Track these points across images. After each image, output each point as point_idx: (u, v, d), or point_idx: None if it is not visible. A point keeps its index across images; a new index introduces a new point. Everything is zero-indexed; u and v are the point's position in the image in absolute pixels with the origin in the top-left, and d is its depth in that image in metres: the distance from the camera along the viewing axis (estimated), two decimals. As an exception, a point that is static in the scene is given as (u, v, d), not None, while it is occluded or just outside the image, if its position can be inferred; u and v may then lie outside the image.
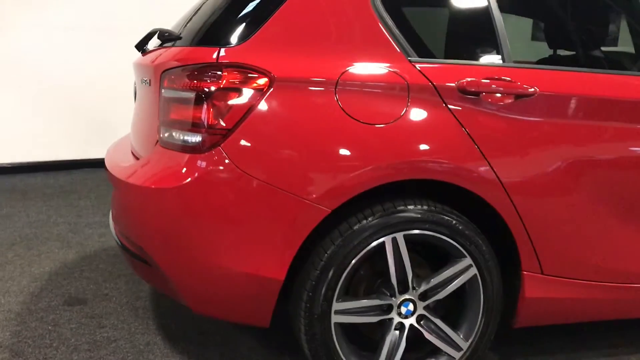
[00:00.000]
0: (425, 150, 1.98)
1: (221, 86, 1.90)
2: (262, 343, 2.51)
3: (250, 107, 1.90)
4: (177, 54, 2.07)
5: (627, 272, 2.25)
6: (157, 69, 2.13)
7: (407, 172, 1.96)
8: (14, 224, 4.17)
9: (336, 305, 1.99)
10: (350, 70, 1.97)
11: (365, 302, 2.06)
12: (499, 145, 2.05)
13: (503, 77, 2.07)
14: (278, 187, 1.90)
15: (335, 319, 2.00)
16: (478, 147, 2.01)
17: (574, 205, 2.15)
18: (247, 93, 1.91)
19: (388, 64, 1.99)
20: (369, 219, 1.98)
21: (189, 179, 1.90)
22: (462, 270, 2.09)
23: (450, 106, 2.02)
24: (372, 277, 2.16)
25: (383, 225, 1.98)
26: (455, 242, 2.05)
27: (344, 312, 2.02)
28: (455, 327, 2.18)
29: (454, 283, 2.10)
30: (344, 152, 1.92)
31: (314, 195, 1.90)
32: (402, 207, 2.01)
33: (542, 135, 2.09)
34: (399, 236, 2.00)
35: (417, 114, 2.00)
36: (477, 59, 2.17)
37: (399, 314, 2.07)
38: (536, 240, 2.13)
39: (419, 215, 2.01)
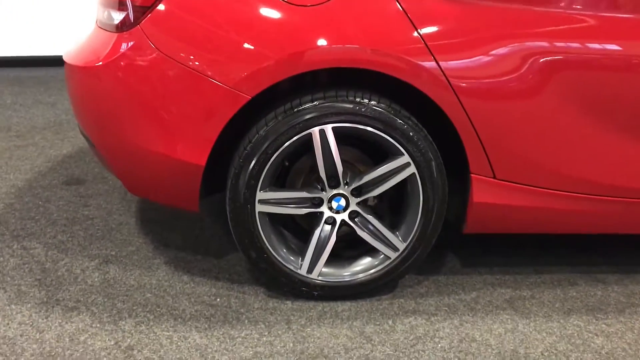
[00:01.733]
0: (357, 36, 1.84)
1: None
2: (227, 230, 2.55)
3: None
4: None
5: (591, 182, 2.03)
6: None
7: (336, 60, 1.84)
8: (55, 110, 4.40)
9: (260, 195, 1.96)
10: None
11: (290, 194, 2.02)
12: (444, 30, 1.87)
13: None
14: (196, 70, 1.85)
15: (259, 208, 1.98)
16: (419, 33, 1.84)
17: (536, 105, 1.93)
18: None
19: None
20: (295, 109, 1.89)
21: (111, 58, 1.90)
22: (399, 168, 1.97)
23: (392, -10, 1.84)
24: (309, 171, 2.10)
25: (310, 116, 1.89)
26: (391, 138, 1.93)
27: (268, 202, 1.99)
28: (394, 227, 2.10)
29: (389, 181, 1.99)
30: (265, 35, 1.83)
31: (233, 81, 1.84)
32: (331, 98, 1.90)
33: (499, 22, 1.88)
34: (327, 128, 1.91)
35: (352, -3, 1.84)
36: None
37: (330, 208, 2.02)
38: (487, 141, 1.96)
39: (350, 107, 1.89)
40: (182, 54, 1.85)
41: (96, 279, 2.20)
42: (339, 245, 2.12)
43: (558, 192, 2.04)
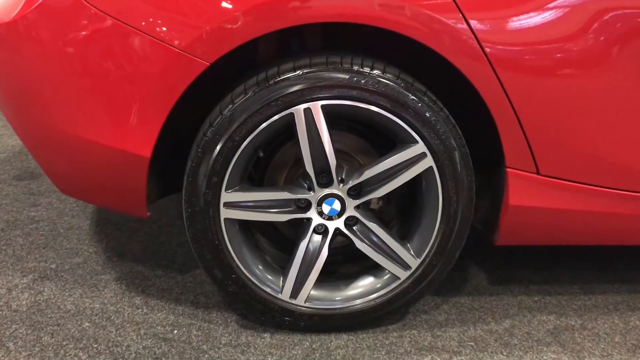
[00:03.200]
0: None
1: None
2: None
3: None
4: None
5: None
6: None
7: (324, 14, 1.34)
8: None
9: (226, 196, 1.47)
10: None
11: (267, 194, 1.53)
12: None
13: None
14: (135, 28, 1.36)
15: (225, 213, 1.49)
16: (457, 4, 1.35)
17: (602, 79, 1.43)
18: None
19: None
20: (272, 80, 1.40)
21: (23, 13, 1.40)
22: (411, 160, 1.48)
23: None
24: (294, 164, 1.62)
25: (292, 90, 1.39)
26: (401, 120, 1.44)
27: (237, 205, 1.49)
28: (404, 238, 1.61)
29: (399, 178, 1.50)
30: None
31: (184, 40, 1.35)
32: (320, 66, 1.41)
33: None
34: (315, 106, 1.41)
35: None
36: None
37: (320, 213, 1.52)
38: (529, 125, 1.46)
39: (345, 77, 1.40)
40: (116, 6, 1.36)
41: (24, 302, 1.72)
42: (334, 260, 1.64)
43: (626, 192, 1.54)
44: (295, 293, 1.56)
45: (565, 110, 1.45)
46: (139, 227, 2.15)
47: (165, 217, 2.21)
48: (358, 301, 1.58)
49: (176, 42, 1.35)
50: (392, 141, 1.53)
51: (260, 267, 1.58)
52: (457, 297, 1.79)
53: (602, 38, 1.39)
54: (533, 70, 1.41)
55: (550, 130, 1.47)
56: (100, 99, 1.42)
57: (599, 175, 1.52)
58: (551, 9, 1.38)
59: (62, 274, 1.87)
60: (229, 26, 1.33)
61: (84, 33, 1.39)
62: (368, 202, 1.55)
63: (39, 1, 1.39)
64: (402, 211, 1.69)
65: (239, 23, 1.33)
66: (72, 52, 1.41)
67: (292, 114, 1.42)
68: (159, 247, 2.04)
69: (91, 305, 1.71)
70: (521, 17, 1.38)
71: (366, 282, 1.61)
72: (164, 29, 1.35)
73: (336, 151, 1.50)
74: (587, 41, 1.39)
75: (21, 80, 1.49)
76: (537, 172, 1.52)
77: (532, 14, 1.38)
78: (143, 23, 1.35)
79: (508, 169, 1.51)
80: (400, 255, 1.56)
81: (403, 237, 1.61)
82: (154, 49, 1.36)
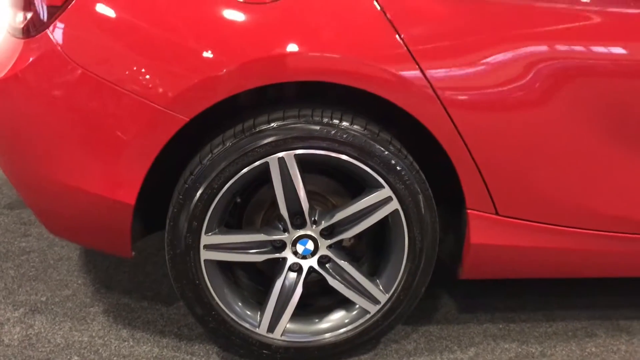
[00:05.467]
0: (319, 42, 1.46)
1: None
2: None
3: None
4: None
5: (622, 218, 1.66)
6: None
7: (292, 73, 1.46)
8: None
9: (205, 239, 1.58)
10: None
11: (244, 237, 1.63)
12: (431, 32, 1.49)
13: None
14: (118, 85, 1.46)
15: (205, 255, 1.59)
16: (400, 37, 1.46)
17: (548, 122, 1.55)
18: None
19: None
20: (248, 132, 1.51)
21: (15, 71, 1.51)
22: (379, 204, 1.59)
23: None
24: (271, 206, 1.72)
25: (267, 141, 1.50)
26: (369, 167, 1.55)
27: (217, 247, 1.60)
28: (375, 274, 1.72)
29: (367, 220, 1.61)
30: (205, 40, 1.44)
31: (165, 98, 1.45)
32: (293, 119, 1.52)
33: (497, 21, 1.49)
34: (288, 156, 1.52)
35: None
36: None
37: (295, 253, 1.63)
38: (486, 169, 1.58)
39: (317, 129, 1.51)
40: (100, 65, 1.47)
41: (15, 337, 1.81)
42: (311, 292, 1.75)
43: (580, 230, 1.66)
44: (272, 327, 1.66)
45: (516, 154, 1.57)
46: (116, 268, 2.24)
47: (150, 247, 2.30)
48: (330, 334, 1.68)
49: (156, 100, 1.45)
50: (362, 182, 1.64)
51: (240, 303, 1.68)
52: (427, 325, 1.90)
53: (540, 82, 1.50)
54: (485, 115, 1.53)
55: (505, 173, 1.59)
56: (86, 150, 1.53)
57: (553, 214, 1.64)
58: (492, 59, 1.49)
59: (52, 306, 1.96)
60: (206, 86, 1.44)
61: (70, 89, 1.49)
62: (340, 241, 1.66)
63: (29, 61, 1.49)
64: (373, 248, 1.79)
65: (216, 83, 1.44)
66: (60, 107, 1.51)
67: (267, 163, 1.52)
68: (145, 277, 2.13)
69: (80, 339, 1.81)
70: (467, 66, 1.49)
71: (338, 315, 1.71)
72: (144, 87, 1.45)
73: (310, 193, 1.62)
74: (529, 85, 1.50)
75: (13, 130, 1.59)
76: (496, 213, 1.63)
77: (476, 63, 1.49)
78: (125, 81, 1.45)
79: (469, 210, 1.63)
80: (370, 291, 1.67)
81: (373, 273, 1.72)
82: (134, 105, 1.46)
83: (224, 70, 1.43)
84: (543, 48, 1.50)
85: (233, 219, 1.73)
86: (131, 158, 1.50)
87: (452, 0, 1.48)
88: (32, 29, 1.49)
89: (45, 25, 1.47)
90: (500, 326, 1.91)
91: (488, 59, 1.49)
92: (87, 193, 1.55)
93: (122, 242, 1.62)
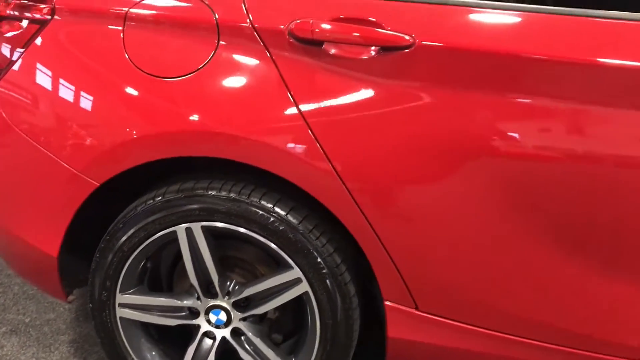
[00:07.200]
0: (218, 119, 1.43)
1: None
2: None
3: (24, 44, 1.55)
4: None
5: (548, 326, 1.45)
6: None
7: (193, 148, 1.45)
8: None
9: (120, 298, 1.62)
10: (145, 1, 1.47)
11: (157, 300, 1.65)
12: (344, 122, 1.40)
13: (364, 17, 1.37)
14: (43, 148, 1.55)
15: (120, 313, 1.63)
16: (309, 126, 1.39)
17: (476, 221, 1.40)
18: (23, 25, 1.55)
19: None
20: (155, 199, 1.53)
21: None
22: (289, 284, 1.53)
23: (276, 59, 1.41)
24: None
25: (170, 211, 1.51)
26: (276, 245, 1.50)
27: (132, 307, 1.63)
28: (292, 352, 1.66)
29: (278, 298, 1.56)
30: (113, 110, 1.48)
31: (79, 163, 1.51)
32: (200, 191, 1.51)
33: (419, 113, 1.37)
34: (195, 227, 1.52)
35: (223, 67, 1.43)
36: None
37: (208, 321, 1.62)
38: (402, 262, 1.46)
39: (223, 203, 1.49)
40: (26, 126, 1.56)
41: (-14, 355, 1.99)
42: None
43: (506, 335, 1.48)
44: (187, 390, 1.67)
45: (430, 246, 1.43)
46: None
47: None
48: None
49: (70, 163, 1.51)
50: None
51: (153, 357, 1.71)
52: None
53: (472, 176, 1.35)
54: (393, 203, 1.41)
55: (420, 266, 1.46)
56: (17, 199, 1.64)
57: (477, 314, 1.47)
58: (417, 146, 1.36)
59: (30, 329, 2.12)
60: (112, 155, 1.48)
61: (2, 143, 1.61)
62: (257, 315, 1.62)
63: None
64: (300, 325, 1.73)
65: (119, 154, 1.47)
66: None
67: (175, 232, 1.53)
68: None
69: (36, 367, 1.94)
70: (382, 149, 1.38)
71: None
72: (61, 149, 1.52)
73: (236, 259, 1.61)
74: (459, 178, 1.36)
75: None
76: (416, 308, 1.50)
77: (394, 145, 1.37)
78: (45, 140, 1.53)
79: (386, 303, 1.52)
80: (282, 369, 1.61)
81: (291, 351, 1.66)
82: (56, 167, 1.53)
83: (126, 142, 1.45)
84: (459, 137, 1.35)
85: (168, 278, 1.75)
86: (52, 214, 1.58)
87: (367, 85, 1.38)
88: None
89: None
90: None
91: (396, 143, 1.37)
92: (23, 240, 1.66)
93: (54, 287, 1.71)
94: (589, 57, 1.27)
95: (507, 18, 1.34)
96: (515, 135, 1.33)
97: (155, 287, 1.73)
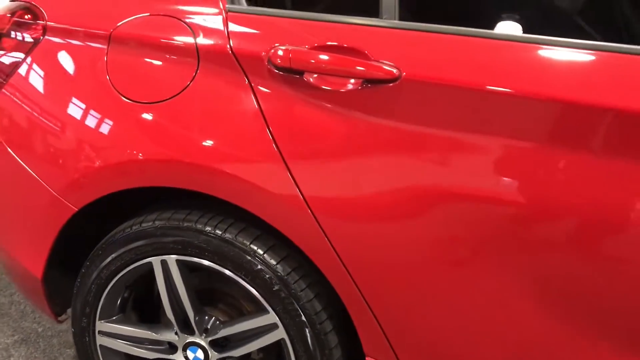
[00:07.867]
0: (192, 151, 1.34)
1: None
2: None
3: (15, 63, 1.53)
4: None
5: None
6: None
7: (162, 177, 1.37)
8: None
9: (100, 325, 1.57)
10: (130, 21, 1.41)
11: (137, 331, 1.57)
12: (322, 162, 1.27)
13: (348, 46, 1.23)
14: (27, 167, 1.52)
15: (100, 340, 1.58)
16: (286, 164, 1.27)
17: (464, 274, 1.23)
18: (15, 42, 1.53)
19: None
20: (133, 227, 1.46)
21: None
22: (265, 329, 1.42)
23: (255, 87, 1.30)
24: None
25: (146, 241, 1.44)
26: (251, 286, 1.39)
27: (112, 335, 1.58)
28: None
29: (255, 342, 1.45)
30: (87, 135, 1.43)
31: (58, 186, 1.47)
32: (176, 222, 1.42)
33: (407, 152, 1.21)
34: (170, 260, 1.44)
35: (200, 94, 1.34)
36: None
37: (186, 358, 1.54)
38: (383, 315, 1.31)
39: (197, 237, 1.40)
40: (16, 146, 1.53)
41: (-3, 360, 2.01)
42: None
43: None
44: None
45: (413, 300, 1.28)
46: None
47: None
48: None
49: (49, 184, 1.47)
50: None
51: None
52: None
53: (455, 222, 1.19)
54: (371, 251, 1.27)
55: (405, 322, 1.30)
56: (9, 217, 1.62)
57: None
58: (404, 190, 1.21)
59: (40, 340, 2.12)
60: (87, 181, 1.42)
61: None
62: (235, 358, 1.52)
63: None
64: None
65: (93, 180, 1.41)
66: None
67: (151, 263, 1.46)
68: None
69: (36, 380, 1.93)
70: (367, 191, 1.24)
71: None
72: (42, 170, 1.48)
73: (222, 294, 1.52)
74: (446, 224, 1.20)
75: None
76: (399, 365, 1.35)
77: (381, 188, 1.23)
78: (30, 160, 1.50)
79: (367, 358, 1.37)
80: (262, 417, 1.50)
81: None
82: (39, 188, 1.50)
83: (95, 170, 1.39)
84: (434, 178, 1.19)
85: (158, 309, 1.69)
86: (35, 235, 1.55)
87: (348, 120, 1.24)
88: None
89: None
90: None
91: (379, 188, 1.23)
92: (13, 259, 1.64)
93: (43, 307, 1.69)
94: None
95: (509, 48, 1.16)
96: (511, 180, 1.16)
97: (153, 317, 1.66)
